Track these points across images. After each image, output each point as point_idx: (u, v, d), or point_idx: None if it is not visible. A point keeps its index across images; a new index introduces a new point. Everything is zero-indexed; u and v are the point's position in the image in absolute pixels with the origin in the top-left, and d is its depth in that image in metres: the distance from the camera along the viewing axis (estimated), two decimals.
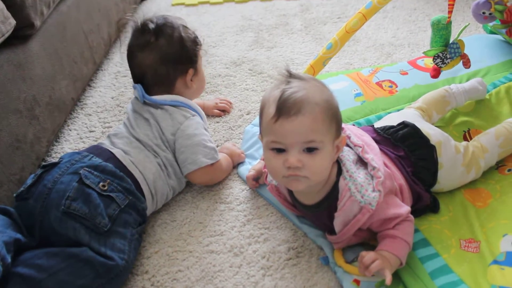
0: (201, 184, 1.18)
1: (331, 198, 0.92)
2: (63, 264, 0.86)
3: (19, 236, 0.89)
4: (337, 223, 0.93)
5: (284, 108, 0.82)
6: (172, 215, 1.12)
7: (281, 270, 0.98)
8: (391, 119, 1.13)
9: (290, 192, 1.00)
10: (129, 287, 0.96)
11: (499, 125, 1.16)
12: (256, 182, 1.15)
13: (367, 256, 0.87)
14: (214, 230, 1.07)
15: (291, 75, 0.88)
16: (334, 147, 0.88)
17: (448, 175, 1.05)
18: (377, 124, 1.13)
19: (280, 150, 0.86)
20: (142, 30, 1.13)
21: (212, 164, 1.12)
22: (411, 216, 0.93)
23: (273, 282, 0.95)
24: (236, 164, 1.24)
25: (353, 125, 1.21)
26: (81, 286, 0.87)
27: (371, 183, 0.89)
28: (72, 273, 0.86)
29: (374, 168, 0.90)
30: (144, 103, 1.14)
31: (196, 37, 1.19)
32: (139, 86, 1.13)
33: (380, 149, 1.01)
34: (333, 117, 0.86)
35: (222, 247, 1.03)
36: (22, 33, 1.19)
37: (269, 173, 0.95)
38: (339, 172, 0.92)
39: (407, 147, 1.04)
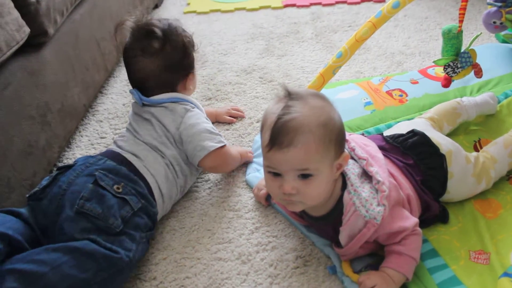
0: (215, 172, 1.21)
1: (336, 212, 0.92)
2: (65, 258, 0.85)
3: (10, 232, 0.88)
4: (343, 237, 0.93)
5: (277, 139, 0.82)
6: (181, 222, 1.12)
7: (288, 279, 0.97)
8: (401, 128, 1.13)
9: None
10: None
11: (507, 134, 1.16)
12: (267, 201, 1.15)
13: (366, 282, 0.88)
14: (222, 238, 1.08)
15: (290, 95, 0.86)
16: (335, 166, 0.87)
17: (458, 185, 1.05)
18: (387, 133, 1.13)
19: (276, 174, 0.87)
20: (147, 35, 1.13)
21: (221, 148, 1.13)
22: (419, 230, 0.92)
23: None
24: (244, 163, 1.27)
25: (362, 134, 1.21)
26: (84, 280, 0.86)
27: (376, 197, 0.89)
28: (75, 266, 0.85)
29: (378, 181, 0.90)
30: (143, 105, 1.15)
31: (193, 39, 1.20)
32: (135, 91, 1.14)
33: (388, 157, 1.01)
34: (331, 142, 0.84)
35: (230, 254, 1.04)
36: (36, 41, 1.21)
37: (269, 192, 0.96)
38: (344, 185, 0.92)
39: (416, 155, 1.03)
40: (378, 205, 0.88)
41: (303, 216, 1.02)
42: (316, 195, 0.88)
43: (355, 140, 1.00)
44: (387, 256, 0.92)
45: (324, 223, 0.96)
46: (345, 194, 0.90)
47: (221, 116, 1.44)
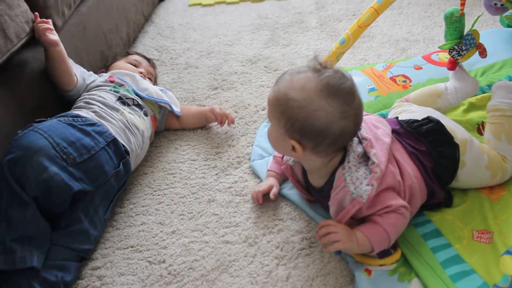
0: None
1: (329, 185, 0.95)
2: None
3: None
4: (332, 212, 0.96)
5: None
6: (188, 207, 1.15)
7: (294, 260, 1.00)
8: (416, 114, 1.11)
9: (304, 173, 1.03)
10: (147, 275, 0.99)
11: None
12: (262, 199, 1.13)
13: (329, 228, 0.92)
14: (229, 222, 1.10)
15: (322, 67, 0.91)
16: (289, 143, 0.90)
17: (470, 174, 1.04)
18: (402, 117, 1.12)
19: None
20: None
21: None
22: (403, 211, 0.91)
23: (287, 271, 0.97)
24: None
25: None
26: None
27: (368, 178, 0.90)
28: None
29: (373, 163, 0.91)
30: None
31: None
32: None
33: (400, 142, 1.01)
34: (283, 115, 0.90)
35: (237, 237, 1.06)
36: None
37: None
38: (342, 161, 0.93)
39: (429, 142, 1.02)
40: (368, 184, 0.90)
41: (308, 188, 1.04)
42: (270, 140, 0.98)
43: (365, 120, 0.99)
44: (364, 222, 0.94)
45: (322, 195, 0.98)
46: (339, 169, 0.92)
47: (207, 113, 1.38)
